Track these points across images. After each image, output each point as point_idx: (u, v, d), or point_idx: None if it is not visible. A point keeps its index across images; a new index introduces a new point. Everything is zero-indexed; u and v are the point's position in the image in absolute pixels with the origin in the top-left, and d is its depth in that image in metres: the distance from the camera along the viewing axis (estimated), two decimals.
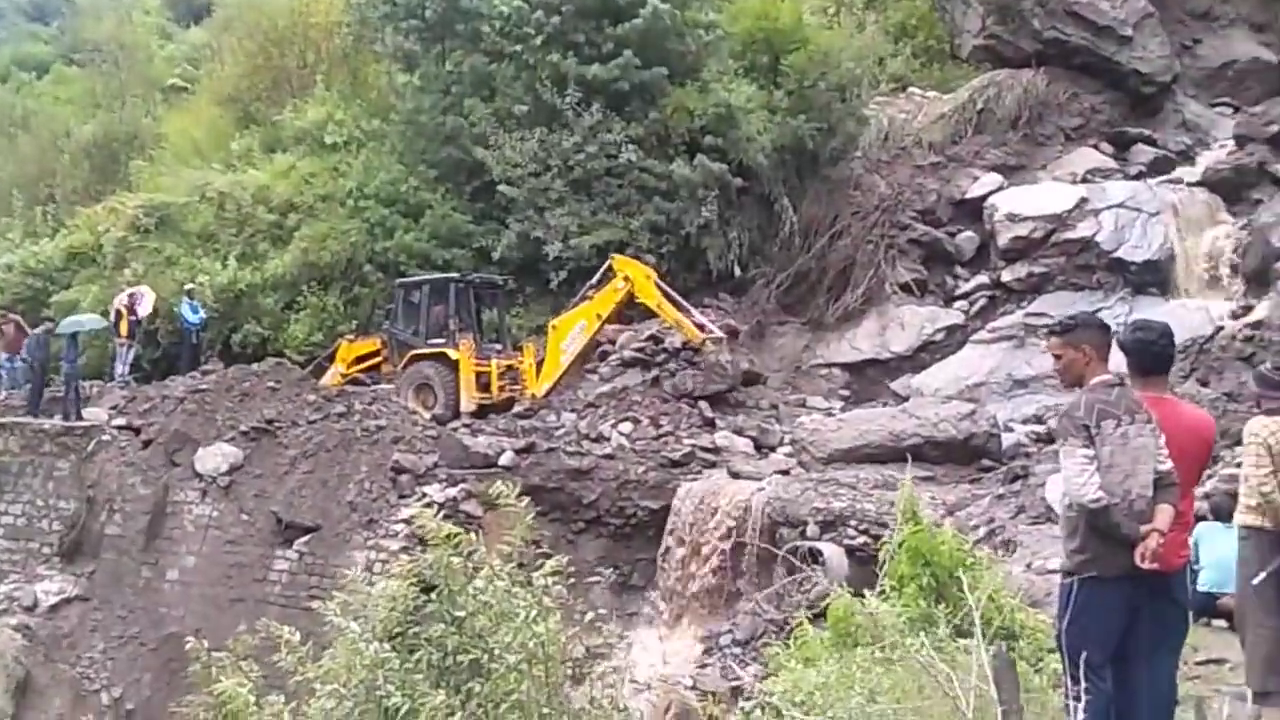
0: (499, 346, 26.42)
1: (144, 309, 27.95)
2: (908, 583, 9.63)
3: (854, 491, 19.25)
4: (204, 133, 36.58)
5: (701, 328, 24.43)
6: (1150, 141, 29.73)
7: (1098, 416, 6.73)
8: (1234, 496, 10.11)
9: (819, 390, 26.82)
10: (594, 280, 25.00)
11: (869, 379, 27.09)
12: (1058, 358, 7.15)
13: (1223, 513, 11.79)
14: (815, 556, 17.52)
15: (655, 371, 24.57)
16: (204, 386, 24.53)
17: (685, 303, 24.91)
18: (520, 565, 7.73)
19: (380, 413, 23.40)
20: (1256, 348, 22.07)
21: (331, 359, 27.27)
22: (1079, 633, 6.79)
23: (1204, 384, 20.67)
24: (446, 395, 24.90)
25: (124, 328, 27.56)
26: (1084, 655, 6.64)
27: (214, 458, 22.71)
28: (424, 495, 20.69)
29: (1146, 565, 6.59)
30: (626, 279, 24.51)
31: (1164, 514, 6.74)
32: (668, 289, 24.74)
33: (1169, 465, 6.84)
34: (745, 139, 27.93)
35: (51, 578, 22.83)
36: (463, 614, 7.20)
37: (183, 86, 45.27)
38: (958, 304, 27.76)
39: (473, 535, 7.78)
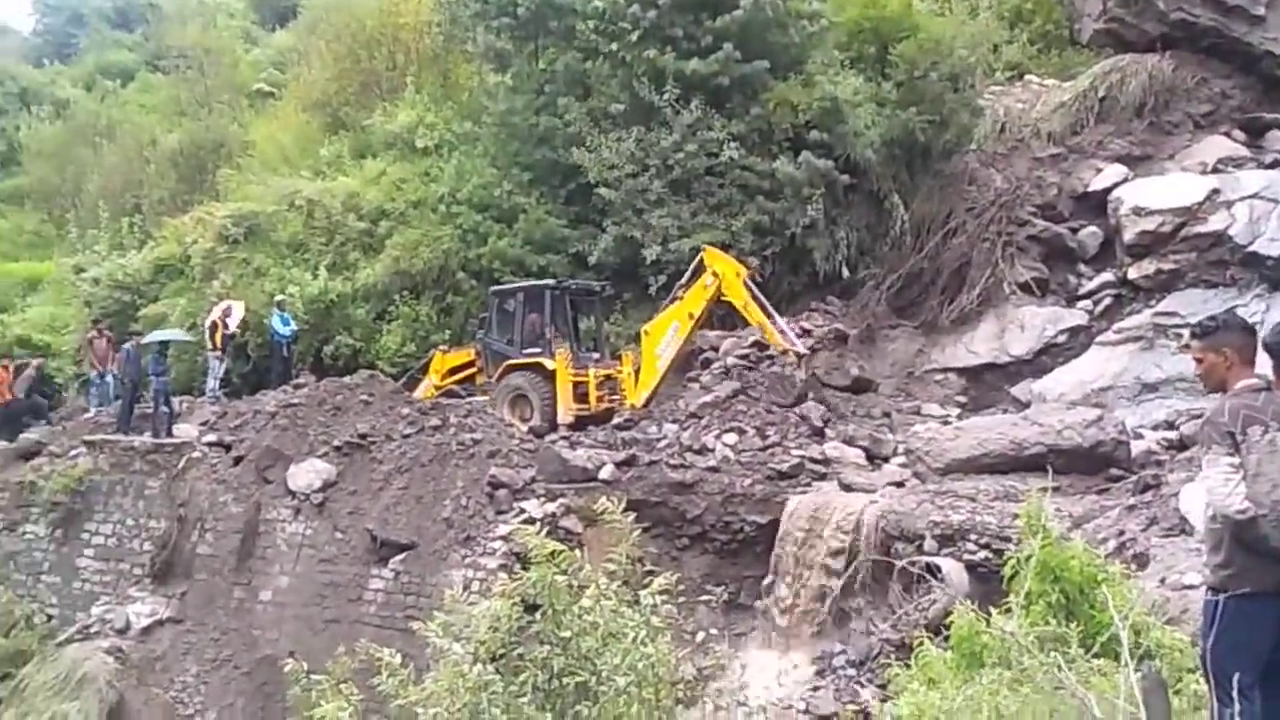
0: (597, 355, 26.50)
1: (235, 322, 28.47)
2: (1035, 600, 9.48)
3: (973, 504, 19.01)
4: (292, 139, 37.16)
5: (790, 341, 24.29)
6: None
7: (1243, 422, 6.61)
8: None
9: (934, 397, 26.53)
10: (684, 278, 25.03)
11: (987, 384, 26.74)
12: (1199, 361, 7.04)
13: None
14: (933, 572, 17.34)
15: (737, 382, 24.50)
16: (295, 401, 24.90)
17: (772, 309, 24.77)
18: (626, 583, 7.74)
19: (476, 426, 23.55)
20: None
21: (425, 370, 27.55)
22: (1226, 652, 6.67)
23: None
24: (543, 407, 25.02)
25: (218, 341, 28.05)
26: (1234, 675, 6.51)
27: (306, 474, 23.03)
28: (522, 511, 20.81)
29: None
30: (716, 274, 24.49)
31: None
32: (756, 291, 24.67)
33: None
34: (852, 134, 27.77)
35: (143, 599, 23.32)
36: (568, 634, 7.24)
37: (269, 92, 46.05)
38: (1081, 304, 27.30)
39: (576, 553, 7.81)
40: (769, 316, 24.57)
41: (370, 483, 22.72)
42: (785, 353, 24.24)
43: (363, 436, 23.43)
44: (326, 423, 24.09)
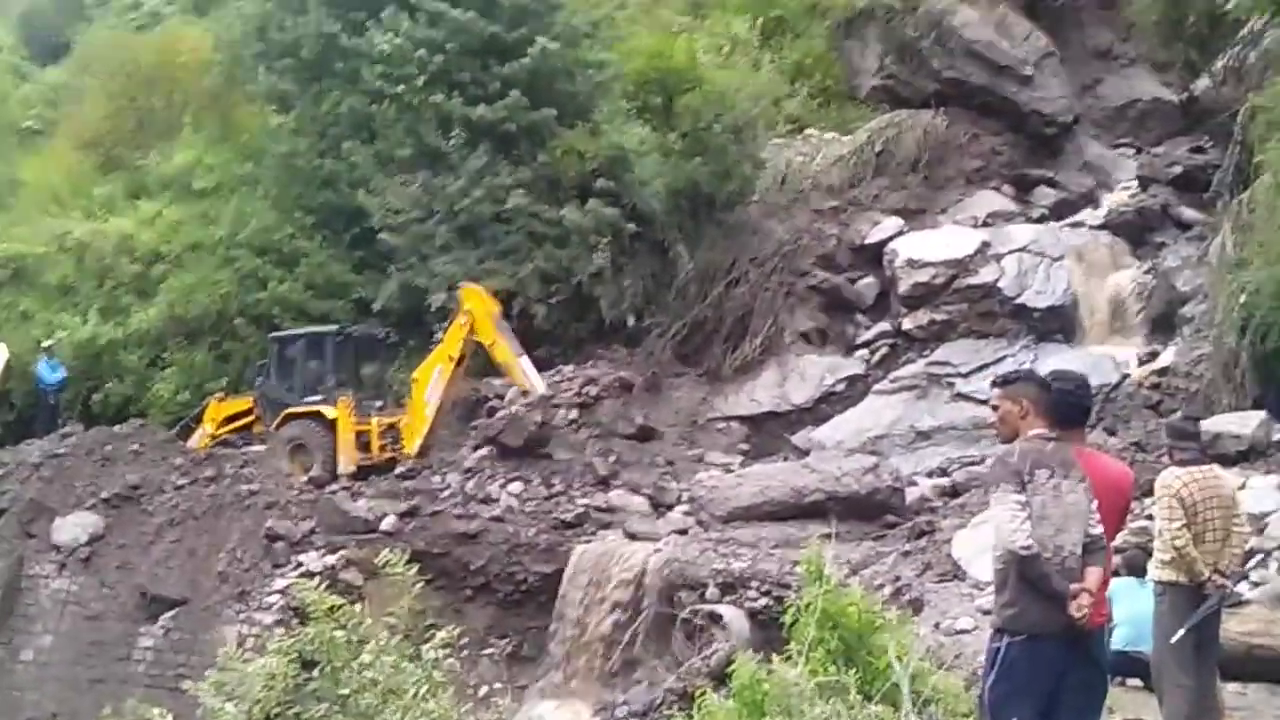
0: (380, 404, 26.20)
1: None
2: (815, 646, 9.67)
3: (755, 551, 19.35)
4: (63, 179, 35.88)
5: (532, 384, 24.39)
6: (1052, 183, 30.53)
7: (1032, 464, 6.92)
8: (1147, 551, 10.36)
9: (718, 445, 26.89)
10: (449, 320, 25.01)
11: (769, 432, 27.21)
12: (995, 409, 7.40)
13: (1136, 567, 12.02)
14: (716, 620, 17.57)
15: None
16: (62, 451, 24.13)
17: (519, 348, 24.81)
18: (407, 637, 7.68)
19: (253, 476, 23.16)
20: (1164, 395, 22.67)
21: (199, 419, 26.81)
22: (1005, 695, 6.89)
23: (1111, 433, 21.13)
24: (324, 456, 24.63)
25: None
26: (1012, 718, 6.75)
27: (73, 527, 22.30)
28: (300, 564, 20.51)
29: (1080, 619, 6.73)
30: (467, 313, 24.51)
31: (1093, 575, 6.92)
32: (506, 329, 24.80)
33: (1100, 530, 7.04)
34: (639, 183, 28.10)
35: None
36: (347, 692, 7.15)
37: (39, 130, 44.45)
38: (859, 353, 28.09)
39: (356, 607, 7.72)
40: (518, 355, 24.56)
41: (141, 536, 22.11)
42: (525, 394, 24.29)
43: (133, 488, 22.82)
44: (95, 474, 23.37)
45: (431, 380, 24.81)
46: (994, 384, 7.58)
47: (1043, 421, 7.14)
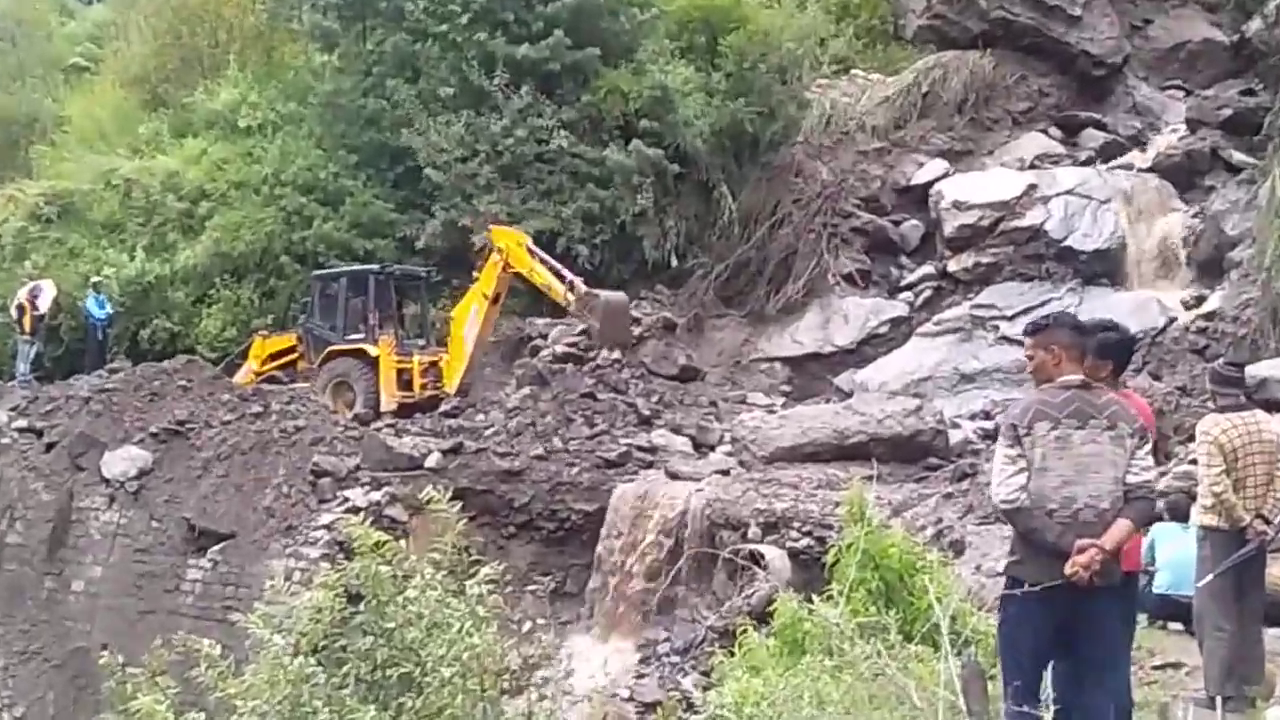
0: (422, 342, 26.28)
1: (45, 303, 27.52)
2: (856, 587, 9.69)
3: (797, 492, 19.34)
4: (109, 116, 36.03)
5: (567, 283, 24.35)
6: (1100, 126, 30.08)
7: (1032, 418, 6.73)
8: (1191, 495, 10.30)
9: (760, 386, 26.89)
10: (482, 260, 25.02)
11: (811, 374, 27.19)
12: (1030, 358, 7.16)
13: (1179, 512, 11.97)
14: (757, 560, 17.60)
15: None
16: (111, 386, 24.24)
17: (560, 267, 24.82)
18: (451, 573, 7.71)
19: (299, 413, 23.23)
20: (1210, 339, 22.44)
21: (245, 356, 27.01)
22: (1008, 642, 6.85)
23: (1156, 377, 20.96)
24: (366, 393, 24.79)
25: (27, 323, 27.14)
26: (1010, 671, 6.71)
27: (122, 461, 22.43)
28: (346, 500, 20.62)
29: (1073, 578, 6.51)
30: (500, 250, 24.52)
31: (1119, 529, 6.66)
32: (543, 254, 24.80)
33: (1142, 478, 6.78)
34: (682, 123, 27.96)
35: None
36: (393, 625, 7.18)
37: (85, 66, 44.53)
38: (903, 295, 27.94)
39: (401, 543, 7.75)
40: (558, 275, 24.57)
41: (188, 470, 22.23)
42: (569, 304, 24.33)
43: (181, 423, 22.91)
44: (143, 409, 23.49)
45: (469, 318, 24.91)
46: (1026, 332, 7.32)
47: (1077, 367, 6.96)
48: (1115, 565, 6.68)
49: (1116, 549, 6.63)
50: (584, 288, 24.20)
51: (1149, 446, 6.84)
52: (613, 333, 24.25)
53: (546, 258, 24.79)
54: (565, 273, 24.58)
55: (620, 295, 24.90)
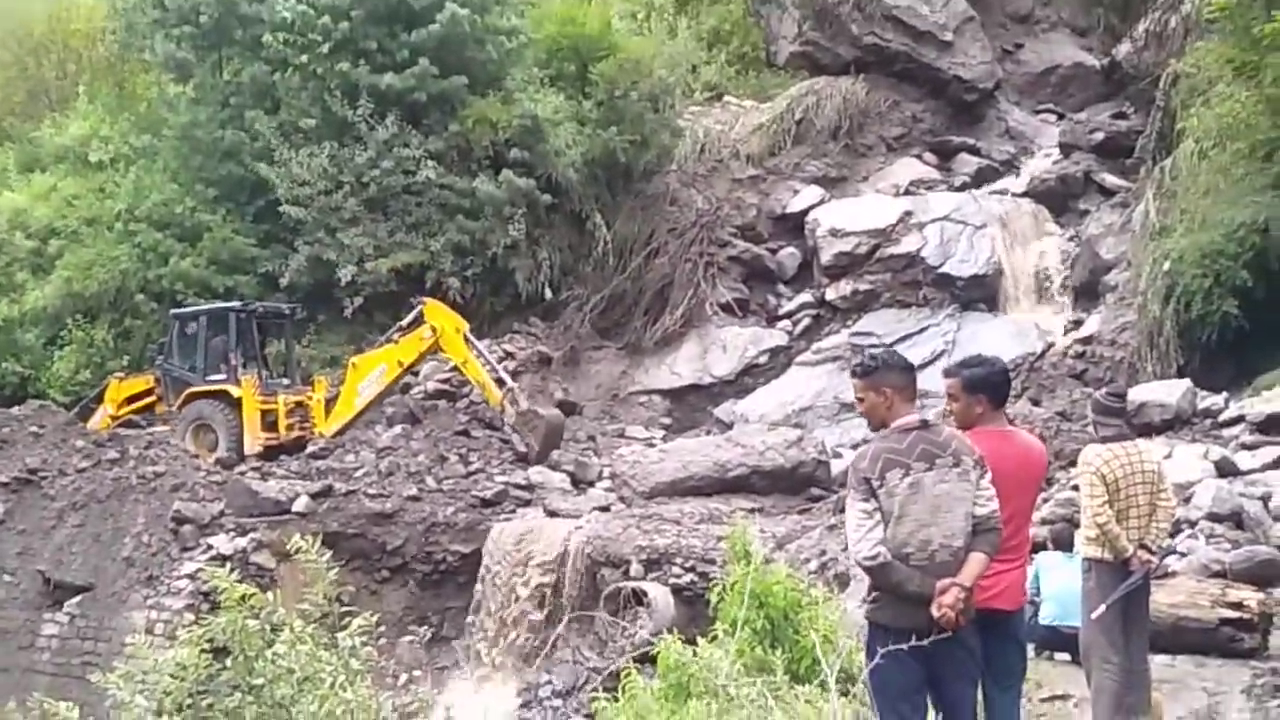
0: (287, 381, 25.87)
1: None
2: (741, 626, 9.67)
3: (679, 527, 19.37)
4: None
5: (499, 381, 24.03)
6: (974, 151, 30.68)
7: (882, 467, 6.69)
8: (1075, 524, 10.44)
9: (639, 419, 26.92)
10: (404, 322, 24.62)
11: (691, 405, 27.29)
12: (860, 401, 7.09)
13: (1063, 542, 12.13)
14: (640, 598, 17.57)
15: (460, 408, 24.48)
16: None
17: (489, 356, 24.49)
18: (322, 622, 7.57)
19: (158, 458, 22.75)
20: (1088, 364, 22.89)
21: (100, 399, 26.37)
22: (880, 685, 6.80)
23: (1036, 403, 21.31)
24: (229, 436, 24.31)
25: None
26: (890, 708, 6.71)
27: None
28: (210, 548, 20.21)
29: (942, 620, 6.52)
30: (434, 329, 24.22)
31: (974, 564, 6.68)
32: (478, 345, 24.43)
33: (989, 509, 6.78)
34: (553, 153, 27.95)
35: None
36: (262, 682, 7.03)
37: None
38: (781, 324, 28.18)
39: (269, 595, 7.59)
40: (489, 368, 24.25)
41: (42, 521, 21.66)
42: (503, 406, 23.75)
43: (32, 471, 22.33)
44: None
45: (372, 375, 24.48)
46: (853, 374, 7.18)
47: (910, 406, 6.91)
48: (972, 601, 6.69)
49: (973, 584, 6.65)
50: (525, 403, 23.74)
51: (989, 476, 6.81)
52: (547, 450, 23.88)
53: (484, 352, 24.41)
54: (506, 378, 24.11)
55: (558, 414, 24.43)
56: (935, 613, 6.49)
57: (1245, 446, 16.34)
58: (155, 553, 20.69)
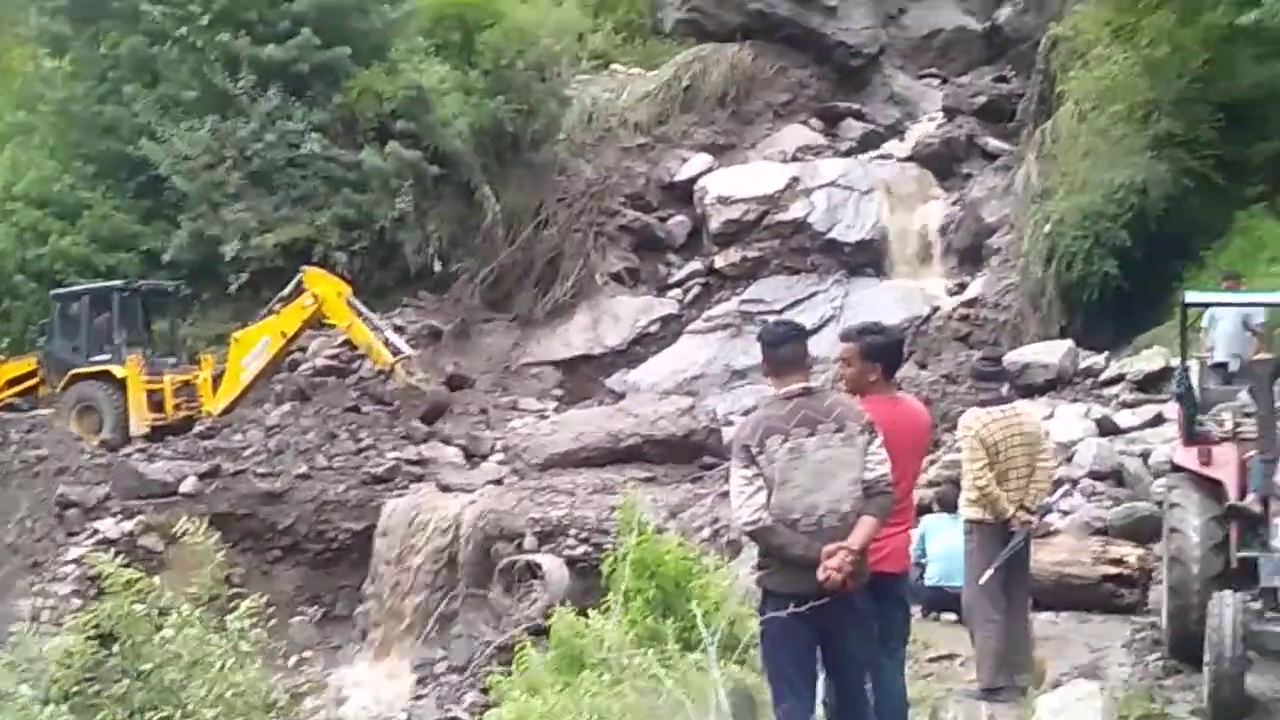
0: (173, 360, 25.54)
1: None
2: (633, 596, 9.80)
3: (572, 499, 19.50)
4: None
5: (394, 350, 23.98)
6: (859, 116, 31.05)
7: (762, 435, 6.72)
8: (958, 486, 10.68)
9: (531, 391, 26.94)
10: (284, 292, 24.41)
11: (583, 376, 27.36)
12: (765, 373, 7.25)
13: (948, 504, 12.37)
14: (534, 571, 17.68)
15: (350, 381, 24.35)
16: None
17: (376, 320, 24.49)
18: (211, 606, 7.58)
19: (41, 441, 22.54)
20: (973, 326, 23.32)
21: None
22: (769, 649, 6.90)
23: (923, 366, 21.66)
24: (115, 418, 23.97)
25: None
26: (783, 672, 6.84)
27: None
28: (96, 532, 20.04)
29: (827, 584, 6.52)
30: (315, 296, 24.01)
31: (864, 527, 6.69)
32: (362, 308, 24.33)
33: (879, 472, 6.81)
34: (440, 123, 27.78)
35: None
36: (149, 667, 7.05)
37: None
38: (672, 293, 28.36)
39: (155, 579, 7.59)
40: (375, 330, 24.13)
41: None
42: (393, 368, 23.71)
43: None
44: None
45: (256, 348, 24.20)
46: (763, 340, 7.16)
47: (798, 376, 6.88)
48: (864, 565, 6.83)
49: (863, 548, 6.72)
50: (413, 376, 23.71)
51: (879, 440, 6.85)
52: (427, 419, 23.89)
53: (369, 314, 24.23)
54: (403, 346, 24.04)
55: (444, 392, 24.51)
56: (820, 575, 6.52)
57: (1125, 405, 16.78)
58: (40, 538, 20.48)
